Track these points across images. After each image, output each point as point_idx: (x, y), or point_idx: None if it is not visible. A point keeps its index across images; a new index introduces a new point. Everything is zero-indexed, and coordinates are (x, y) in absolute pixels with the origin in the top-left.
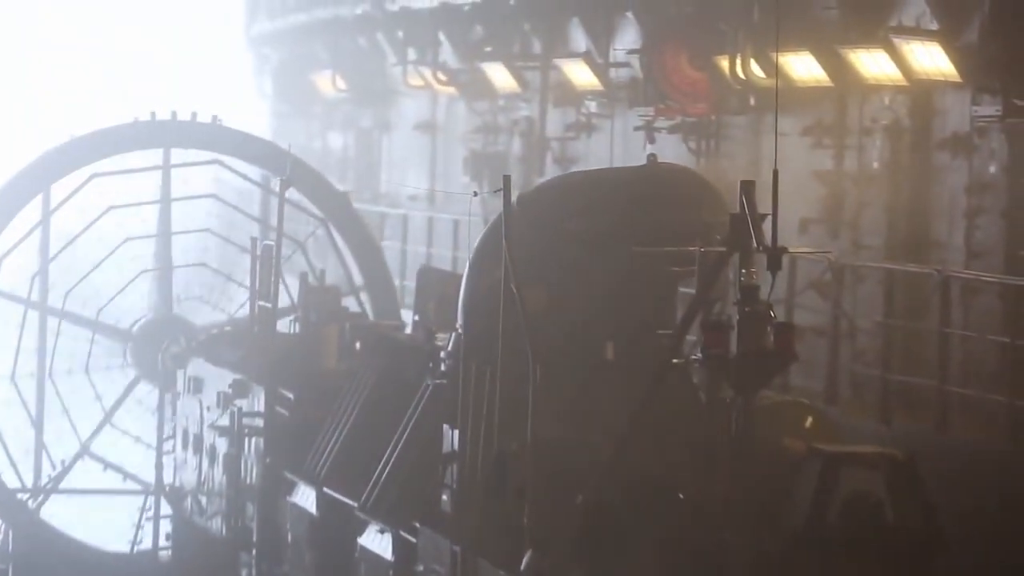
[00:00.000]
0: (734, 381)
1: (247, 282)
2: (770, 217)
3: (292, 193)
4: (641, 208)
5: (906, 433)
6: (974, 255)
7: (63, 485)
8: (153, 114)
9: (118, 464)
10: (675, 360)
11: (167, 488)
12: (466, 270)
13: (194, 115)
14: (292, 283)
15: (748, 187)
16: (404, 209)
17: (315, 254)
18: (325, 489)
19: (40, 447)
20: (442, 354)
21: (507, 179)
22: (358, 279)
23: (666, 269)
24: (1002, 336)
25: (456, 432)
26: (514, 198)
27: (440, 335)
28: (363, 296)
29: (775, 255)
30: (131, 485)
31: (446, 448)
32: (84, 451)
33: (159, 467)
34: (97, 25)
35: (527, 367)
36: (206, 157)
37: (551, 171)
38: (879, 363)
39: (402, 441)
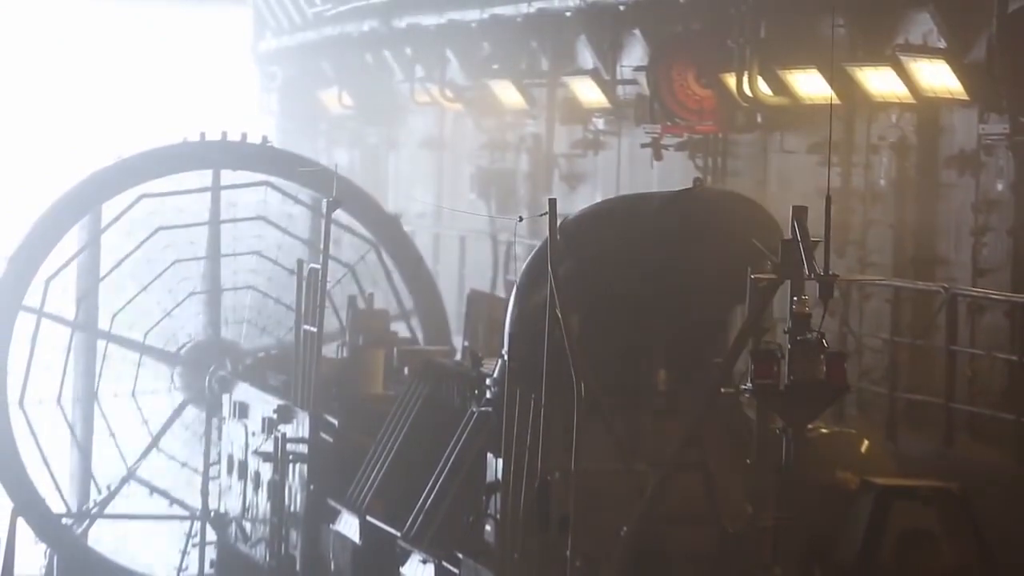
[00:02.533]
0: (784, 412)
1: (295, 304)
2: (822, 244)
3: (343, 216)
4: (690, 236)
5: (914, 450)
6: (981, 273)
7: (109, 510)
8: (203, 135)
9: (164, 489)
10: (724, 390)
11: (212, 514)
12: (512, 295)
13: (244, 136)
14: (341, 307)
15: (800, 213)
16: (411, 226)
17: (365, 278)
18: (368, 518)
19: (87, 471)
20: (487, 381)
21: (553, 203)
22: (408, 303)
23: (717, 297)
24: (1009, 354)
25: (500, 461)
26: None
27: (487, 361)
28: (414, 321)
29: (827, 283)
30: (177, 510)
31: (490, 477)
32: (130, 476)
33: (205, 493)
34: (122, 45)
35: (572, 395)
36: (255, 179)
37: (558, 188)
38: (886, 381)
39: (446, 469)
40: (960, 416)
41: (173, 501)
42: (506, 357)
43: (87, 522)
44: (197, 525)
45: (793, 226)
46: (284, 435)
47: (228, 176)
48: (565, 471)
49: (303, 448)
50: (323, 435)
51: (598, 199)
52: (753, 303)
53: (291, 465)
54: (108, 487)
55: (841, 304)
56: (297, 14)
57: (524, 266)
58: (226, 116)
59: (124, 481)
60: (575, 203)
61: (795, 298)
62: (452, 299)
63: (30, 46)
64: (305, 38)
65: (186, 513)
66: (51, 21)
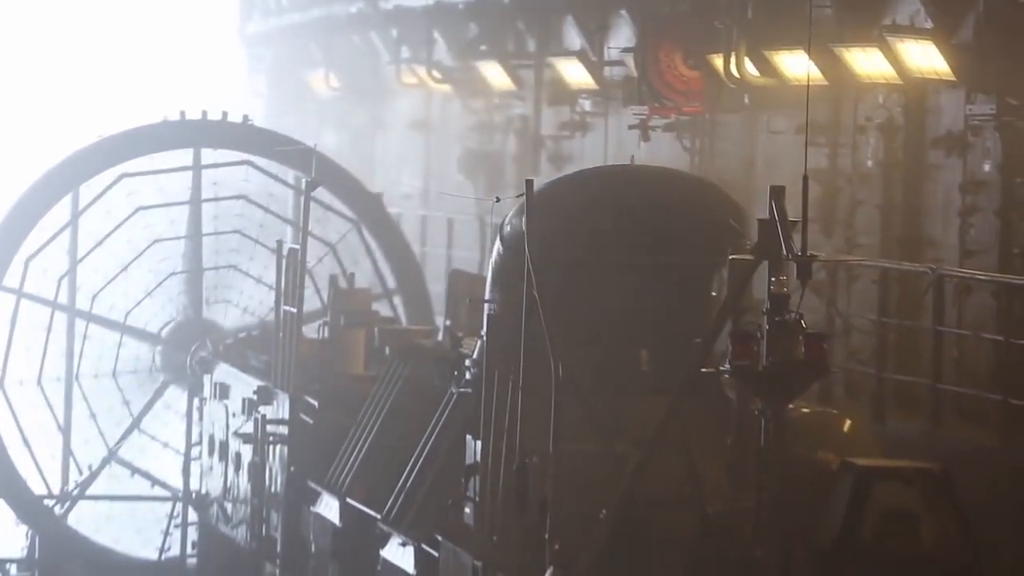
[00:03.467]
0: (763, 393)
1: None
2: (800, 224)
3: (325, 195)
4: (658, 213)
5: (900, 431)
6: (968, 253)
7: (90, 491)
8: (183, 113)
9: (145, 470)
10: (703, 370)
11: (194, 495)
12: (488, 276)
13: (225, 115)
14: (323, 286)
15: (778, 193)
16: (398, 207)
17: (347, 257)
18: (348, 500)
19: (67, 452)
20: (467, 362)
21: (530, 184)
22: (391, 283)
23: (692, 276)
24: (996, 334)
25: (479, 443)
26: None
27: (467, 340)
28: (396, 300)
29: (805, 263)
30: (159, 491)
31: (469, 459)
32: (111, 457)
33: (187, 474)
34: (107, 24)
35: (550, 376)
36: (236, 158)
37: (545, 169)
38: (873, 361)
39: (426, 452)
40: (947, 396)
41: (155, 482)
42: (484, 338)
43: (68, 503)
44: (179, 506)
45: (771, 206)
46: (264, 416)
47: (210, 155)
48: (544, 454)
49: (283, 430)
50: (303, 416)
51: None
52: (731, 283)
53: (271, 447)
54: (89, 468)
55: (828, 285)
56: None
57: (498, 246)
58: (213, 97)
59: (105, 462)
60: None
61: (773, 278)
62: (439, 280)
63: (12, 26)
64: (292, 20)
65: (168, 494)
66: (36, 2)
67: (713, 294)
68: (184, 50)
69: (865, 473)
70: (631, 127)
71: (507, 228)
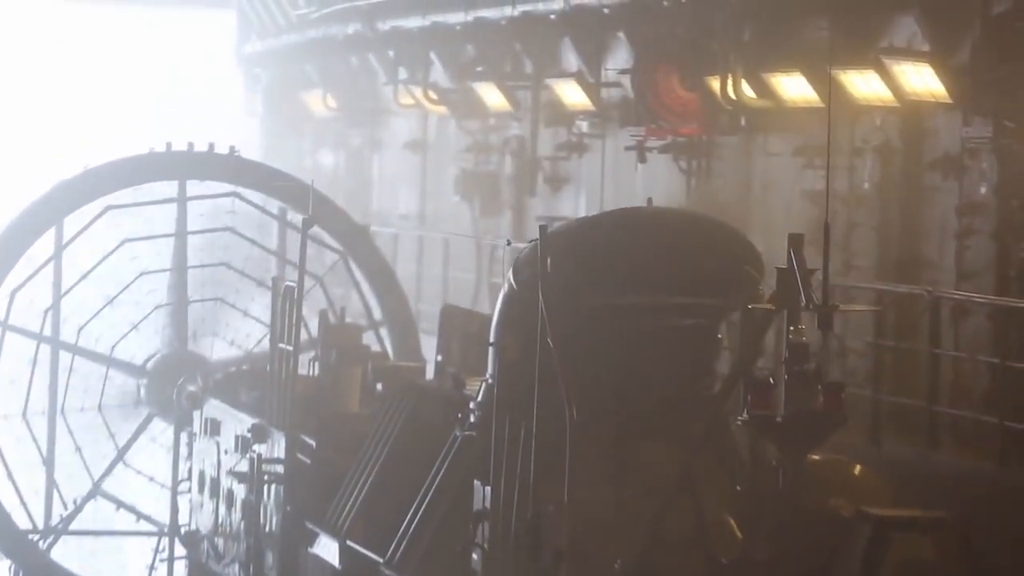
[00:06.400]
0: (781, 444)
1: (264, 317)
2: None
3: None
4: (674, 259)
5: (896, 455)
6: (964, 276)
7: (75, 525)
8: (169, 145)
9: (131, 504)
10: (719, 420)
11: (182, 530)
12: (496, 315)
13: (211, 146)
14: (309, 316)
15: (796, 241)
16: (395, 228)
17: (333, 284)
18: (348, 542)
19: (51, 486)
20: (471, 404)
21: (544, 229)
22: (377, 314)
23: (706, 322)
24: (992, 357)
25: (488, 489)
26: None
27: (470, 381)
28: (383, 331)
29: (826, 313)
30: (145, 526)
31: (477, 505)
32: (96, 490)
33: (174, 508)
34: (97, 52)
35: (564, 422)
36: (223, 189)
37: (542, 190)
38: (869, 383)
39: (430, 494)
40: (943, 419)
41: (141, 516)
42: (491, 380)
43: (52, 538)
44: (165, 541)
45: (790, 254)
46: (260, 456)
47: (198, 187)
48: (559, 503)
49: (279, 468)
50: (300, 456)
51: (582, 202)
52: (748, 333)
53: (267, 486)
54: (74, 502)
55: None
56: (281, 16)
57: (510, 284)
58: (210, 119)
59: (90, 496)
60: (559, 206)
61: (791, 327)
62: (435, 302)
63: (5, 52)
64: (289, 40)
65: (154, 529)
66: (30, 26)
67: (719, 336)
68: (182, 71)
69: (882, 523)
70: (628, 148)
71: (521, 270)
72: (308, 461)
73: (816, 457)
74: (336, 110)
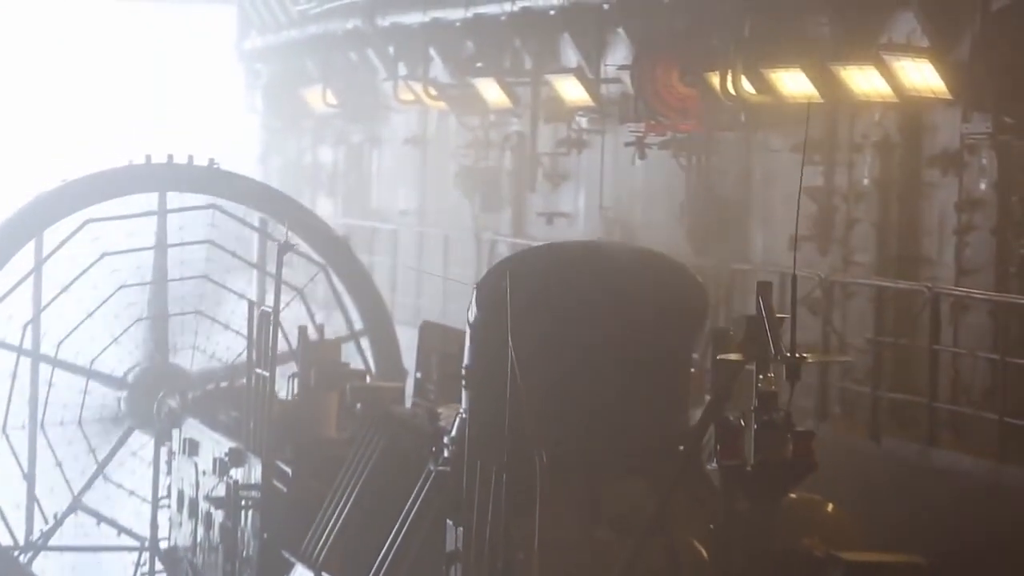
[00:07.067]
0: (751, 492)
1: (244, 330)
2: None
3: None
4: (619, 295)
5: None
6: (964, 272)
7: (57, 539)
8: (148, 157)
9: (112, 518)
10: (693, 460)
11: (163, 547)
12: (467, 339)
13: (191, 158)
14: (290, 330)
15: (765, 289)
16: (395, 224)
17: (313, 297)
18: (324, 574)
19: (32, 501)
20: (445, 439)
21: (503, 274)
22: (358, 325)
23: (672, 361)
24: (992, 353)
25: (460, 530)
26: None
27: (443, 410)
28: (364, 342)
29: (794, 365)
30: (125, 540)
31: (450, 545)
32: (76, 505)
33: (154, 524)
34: (84, 55)
35: (534, 466)
36: (203, 201)
37: (542, 187)
38: (869, 380)
39: (404, 530)
40: (943, 415)
41: (121, 530)
42: (464, 415)
43: (32, 553)
44: (145, 555)
45: (758, 302)
46: (237, 482)
47: (178, 199)
48: (529, 549)
49: (256, 493)
50: (276, 483)
51: (581, 198)
52: (717, 383)
53: (244, 511)
54: (55, 516)
55: (824, 303)
56: (282, 12)
57: (470, 332)
58: (210, 116)
59: (70, 510)
60: (559, 202)
61: (760, 376)
62: (435, 299)
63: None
64: (290, 36)
65: (134, 543)
66: (30, 23)
67: (690, 370)
68: (179, 68)
69: (855, 570)
70: (627, 144)
71: (481, 304)
72: (284, 489)
73: (791, 496)
74: (336, 106)
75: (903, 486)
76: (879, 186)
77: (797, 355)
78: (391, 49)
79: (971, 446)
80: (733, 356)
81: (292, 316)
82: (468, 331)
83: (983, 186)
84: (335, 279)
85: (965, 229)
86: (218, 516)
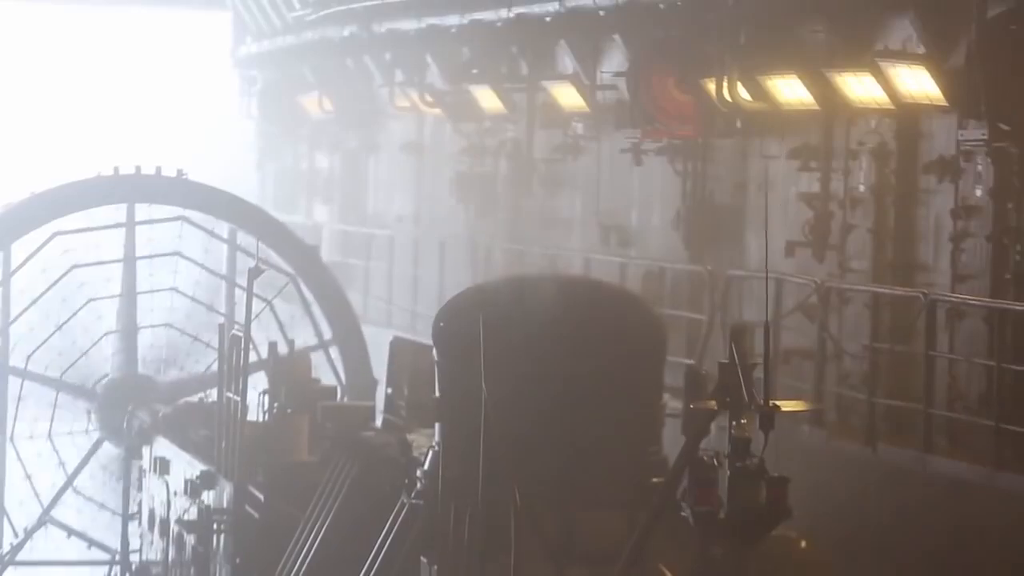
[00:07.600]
0: (723, 539)
1: (214, 342)
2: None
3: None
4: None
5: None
6: (960, 278)
7: (27, 552)
8: (116, 168)
9: (82, 531)
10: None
11: (134, 564)
12: (436, 375)
13: (158, 169)
14: (261, 343)
15: (738, 335)
16: (391, 230)
17: (281, 307)
18: None
19: (1, 515)
20: (418, 472)
21: (466, 314)
22: (328, 334)
23: (639, 391)
24: (988, 360)
25: (435, 568)
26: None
27: (414, 439)
28: (334, 352)
29: (768, 414)
30: (96, 553)
31: None
32: (45, 518)
33: (125, 539)
34: (69, 58)
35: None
36: (172, 212)
37: (538, 193)
38: (865, 386)
39: (379, 560)
40: (939, 422)
41: (91, 543)
42: (437, 447)
43: (0, 567)
44: (116, 569)
45: (730, 348)
46: (209, 507)
47: (147, 210)
48: None
49: (228, 517)
50: (248, 508)
51: (577, 204)
52: (691, 432)
53: (216, 536)
54: (25, 530)
55: (820, 308)
56: (277, 18)
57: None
58: (205, 123)
59: (40, 523)
60: (555, 209)
61: (734, 422)
62: (432, 306)
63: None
64: (285, 43)
65: (105, 557)
66: (22, 30)
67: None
68: (174, 75)
69: None
70: (623, 151)
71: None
72: (256, 515)
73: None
74: (332, 112)
75: (898, 492)
76: (875, 193)
77: (770, 404)
78: (387, 55)
79: (967, 452)
80: (707, 404)
81: (263, 324)
82: (435, 358)
83: (979, 193)
84: (304, 288)
85: (961, 235)
86: (190, 539)
